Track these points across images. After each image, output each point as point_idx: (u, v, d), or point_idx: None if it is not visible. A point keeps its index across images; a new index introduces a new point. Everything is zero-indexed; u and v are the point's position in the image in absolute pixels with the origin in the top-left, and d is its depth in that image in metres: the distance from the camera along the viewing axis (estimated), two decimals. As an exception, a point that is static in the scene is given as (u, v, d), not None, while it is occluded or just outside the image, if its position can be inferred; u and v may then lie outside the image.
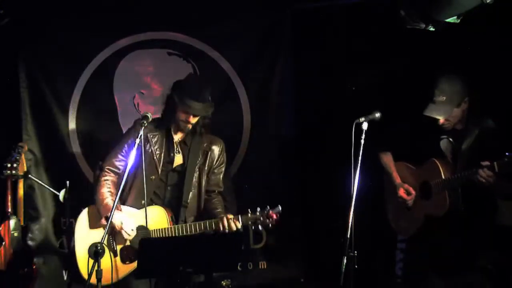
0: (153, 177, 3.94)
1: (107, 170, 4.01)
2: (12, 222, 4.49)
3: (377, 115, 3.82)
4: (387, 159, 4.40)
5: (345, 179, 3.79)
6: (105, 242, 3.81)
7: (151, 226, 3.82)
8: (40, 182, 4.92)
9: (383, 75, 4.88)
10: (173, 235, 3.78)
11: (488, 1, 3.43)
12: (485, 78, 4.37)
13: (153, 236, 3.80)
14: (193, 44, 5.21)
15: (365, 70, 5.04)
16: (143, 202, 3.78)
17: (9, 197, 4.52)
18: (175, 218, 3.89)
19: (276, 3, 5.19)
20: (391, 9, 4.05)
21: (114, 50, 5.13)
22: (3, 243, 4.45)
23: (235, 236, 3.74)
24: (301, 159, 5.20)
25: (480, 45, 4.44)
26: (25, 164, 4.66)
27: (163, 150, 3.99)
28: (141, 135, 3.71)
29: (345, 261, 3.52)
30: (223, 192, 4.24)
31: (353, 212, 3.61)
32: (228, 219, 3.77)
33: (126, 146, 3.99)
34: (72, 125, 5.13)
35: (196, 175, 4.01)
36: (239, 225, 3.78)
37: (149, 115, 3.81)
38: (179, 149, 4.01)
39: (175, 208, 3.95)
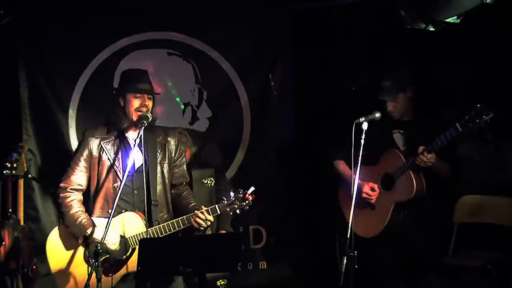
0: (116, 184, 3.84)
1: (69, 191, 3.89)
2: (12, 222, 4.48)
3: (377, 115, 3.84)
4: (343, 166, 4.40)
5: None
6: (83, 255, 3.80)
7: (129, 233, 3.76)
8: (40, 182, 4.91)
9: (383, 75, 4.87)
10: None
11: (488, 1, 3.43)
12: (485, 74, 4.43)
13: (130, 243, 3.74)
14: (193, 44, 5.22)
15: (365, 70, 5.05)
16: (109, 211, 3.67)
17: (9, 197, 4.51)
18: (148, 218, 3.78)
19: (276, 3, 5.20)
20: (391, 9, 4.05)
21: (114, 50, 5.13)
22: (3, 243, 4.45)
23: (235, 236, 3.70)
24: (300, 159, 5.20)
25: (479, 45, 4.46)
26: (25, 164, 4.64)
27: (120, 155, 3.89)
28: (141, 135, 3.69)
29: (345, 261, 3.52)
30: (189, 183, 4.16)
31: (353, 212, 3.61)
32: (203, 212, 3.70)
33: (81, 160, 3.90)
34: (72, 125, 5.13)
35: (158, 170, 3.91)
36: (218, 212, 3.72)
37: (149, 115, 3.79)
38: (137, 148, 3.84)
39: (146, 209, 3.81)
